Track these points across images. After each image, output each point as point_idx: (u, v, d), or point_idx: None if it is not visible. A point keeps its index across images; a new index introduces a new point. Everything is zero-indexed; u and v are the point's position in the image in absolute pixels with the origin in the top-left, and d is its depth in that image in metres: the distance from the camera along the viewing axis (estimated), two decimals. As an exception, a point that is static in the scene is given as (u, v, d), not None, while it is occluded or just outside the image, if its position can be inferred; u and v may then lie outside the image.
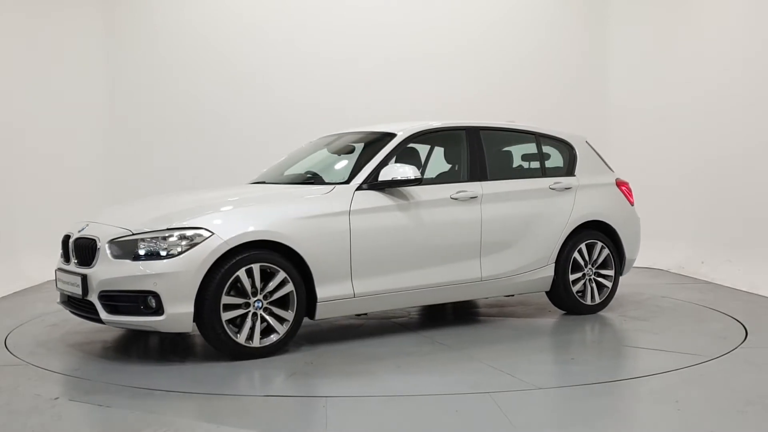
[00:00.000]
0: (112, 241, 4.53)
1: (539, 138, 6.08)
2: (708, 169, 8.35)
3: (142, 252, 4.42)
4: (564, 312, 5.98)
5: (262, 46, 9.94)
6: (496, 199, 5.52)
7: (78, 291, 4.59)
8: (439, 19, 10.05)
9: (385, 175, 5.04)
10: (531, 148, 6.13)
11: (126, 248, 4.48)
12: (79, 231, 4.87)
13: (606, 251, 5.98)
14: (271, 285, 4.58)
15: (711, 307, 6.28)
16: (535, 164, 6.10)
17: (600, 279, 5.97)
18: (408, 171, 5.01)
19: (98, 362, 4.68)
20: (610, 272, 6.02)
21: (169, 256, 4.38)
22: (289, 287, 4.63)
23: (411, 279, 5.15)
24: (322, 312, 4.83)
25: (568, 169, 6.12)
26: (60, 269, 4.99)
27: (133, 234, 4.49)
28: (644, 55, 9.66)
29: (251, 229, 4.53)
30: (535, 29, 10.14)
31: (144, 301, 4.38)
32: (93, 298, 4.52)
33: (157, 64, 9.97)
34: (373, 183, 5.06)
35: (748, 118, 7.62)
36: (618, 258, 6.09)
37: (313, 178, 5.45)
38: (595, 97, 10.12)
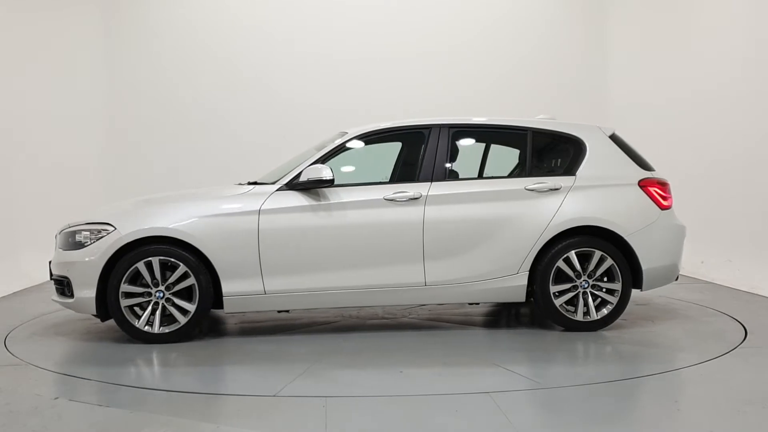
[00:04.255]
0: (59, 233, 5.25)
1: (534, 134, 5.55)
2: (708, 168, 8.35)
3: (75, 242, 5.07)
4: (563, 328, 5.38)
5: (262, 47, 9.96)
6: (445, 201, 5.20)
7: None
8: (439, 19, 10.07)
9: (303, 175, 5.12)
10: (519, 145, 5.70)
11: (64, 239, 5.17)
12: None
13: (609, 261, 5.27)
14: (173, 277, 4.99)
15: (711, 307, 6.27)
16: (519, 163, 5.68)
17: (599, 292, 5.30)
18: (323, 172, 5.04)
19: (99, 362, 4.68)
20: (615, 286, 5.30)
21: (82, 247, 5.01)
22: (191, 280, 4.98)
23: (333, 280, 5.11)
24: (230, 306, 5.08)
25: (569, 167, 5.48)
26: None
27: (69, 227, 5.17)
28: (644, 54, 9.67)
29: (147, 225, 4.99)
30: (534, 29, 10.17)
31: (66, 285, 5.08)
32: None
33: (157, 64, 9.98)
34: (292, 184, 5.16)
35: (748, 117, 7.62)
36: (629, 270, 5.32)
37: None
38: (595, 96, 10.13)
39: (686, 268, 8.25)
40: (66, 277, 5.07)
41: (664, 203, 5.51)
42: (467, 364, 4.52)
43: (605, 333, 5.31)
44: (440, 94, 9.84)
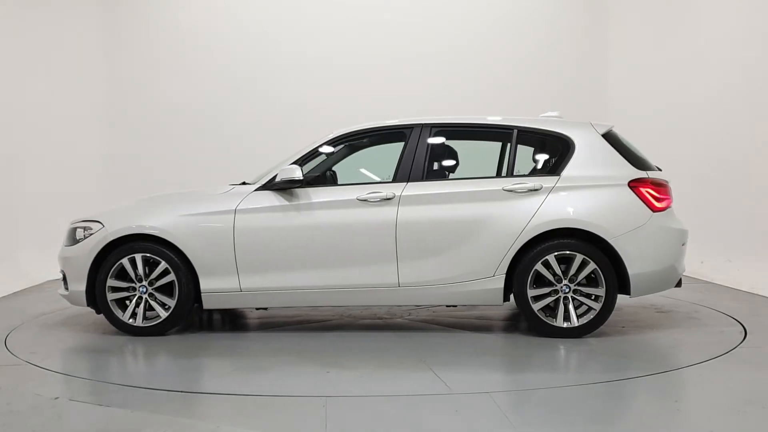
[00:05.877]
0: (67, 230, 5.50)
1: (520, 133, 5.35)
2: (708, 168, 8.35)
3: (73, 239, 5.38)
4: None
5: (265, 49, 9.98)
6: (419, 202, 5.12)
7: None
8: (439, 20, 10.08)
9: (278, 176, 5.20)
10: (503, 145, 5.59)
11: (67, 235, 5.48)
12: None
13: (591, 265, 5.00)
14: (154, 273, 5.20)
15: (711, 307, 6.27)
16: (502, 163, 5.54)
17: (584, 298, 5.07)
18: (294, 173, 5.11)
19: (98, 362, 4.69)
20: (598, 291, 5.03)
21: (77, 243, 5.33)
22: (171, 277, 5.17)
23: (307, 279, 5.15)
24: (208, 302, 5.23)
25: (554, 166, 5.25)
26: None
27: (72, 224, 5.47)
28: (644, 55, 9.67)
29: (131, 224, 5.22)
30: (534, 30, 10.17)
31: (64, 279, 5.41)
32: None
33: (159, 66, 9.98)
34: (269, 184, 5.26)
35: (748, 118, 7.63)
36: (615, 275, 5.03)
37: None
38: (595, 97, 10.14)
39: (686, 268, 8.25)
40: (63, 272, 5.42)
41: (658, 205, 5.14)
42: (398, 367, 4.43)
43: (604, 333, 5.28)
44: (441, 94, 9.85)
